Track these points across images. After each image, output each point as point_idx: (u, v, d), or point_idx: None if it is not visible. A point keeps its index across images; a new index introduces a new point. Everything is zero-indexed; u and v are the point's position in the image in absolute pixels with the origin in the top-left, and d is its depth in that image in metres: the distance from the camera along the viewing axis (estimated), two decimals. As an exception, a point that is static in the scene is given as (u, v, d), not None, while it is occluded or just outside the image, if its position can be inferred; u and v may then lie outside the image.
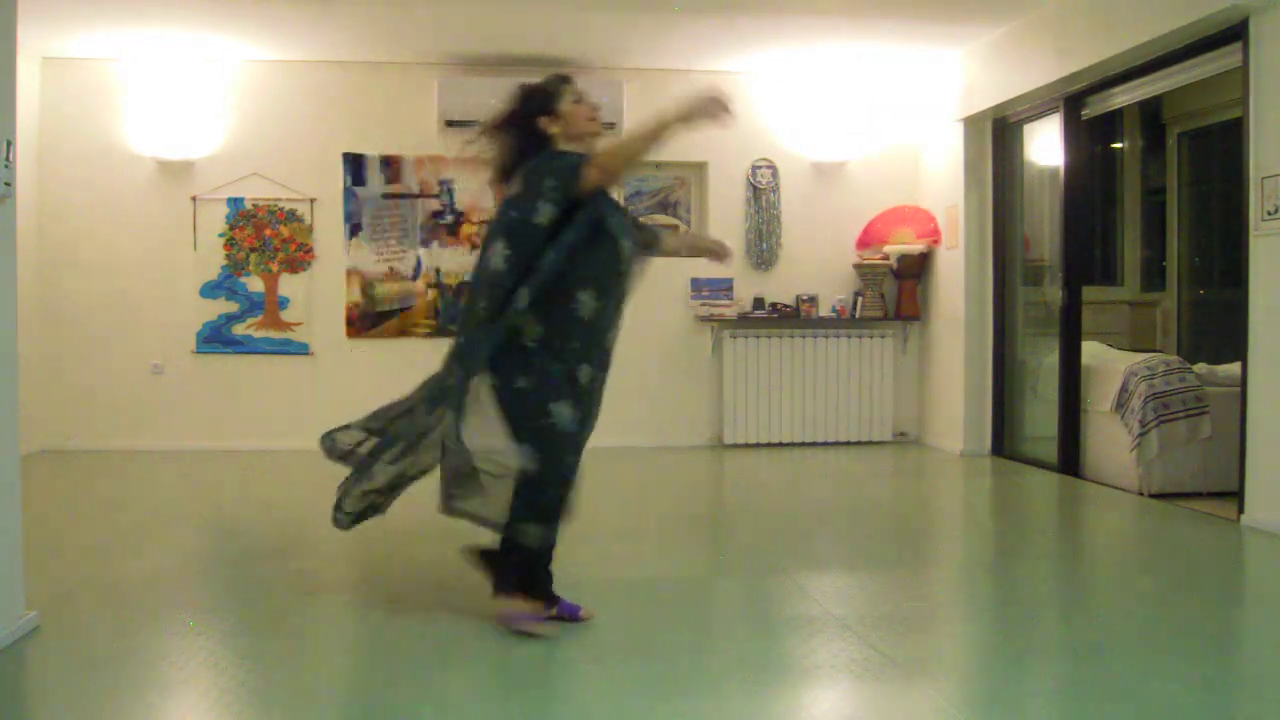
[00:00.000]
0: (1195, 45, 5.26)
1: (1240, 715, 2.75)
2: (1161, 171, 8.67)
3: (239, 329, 7.34)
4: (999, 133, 7.12)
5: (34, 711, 2.81)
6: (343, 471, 3.50)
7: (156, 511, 5.53)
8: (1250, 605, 3.98)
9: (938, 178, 7.55)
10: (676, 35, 6.77)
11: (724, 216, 7.68)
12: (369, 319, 7.41)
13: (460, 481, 3.21)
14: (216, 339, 7.32)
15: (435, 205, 7.41)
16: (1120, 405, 5.87)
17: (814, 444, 7.64)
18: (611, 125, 7.29)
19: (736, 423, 7.56)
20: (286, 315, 7.37)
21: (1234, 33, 4.94)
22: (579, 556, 4.63)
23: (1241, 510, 4.91)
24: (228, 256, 7.31)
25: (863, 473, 6.79)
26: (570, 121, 3.27)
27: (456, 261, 7.43)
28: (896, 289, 7.74)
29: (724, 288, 7.65)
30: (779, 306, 7.63)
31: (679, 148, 7.68)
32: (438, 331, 7.45)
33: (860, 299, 7.70)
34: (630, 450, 7.38)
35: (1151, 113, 8.52)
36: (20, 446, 3.33)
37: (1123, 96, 6.18)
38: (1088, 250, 8.21)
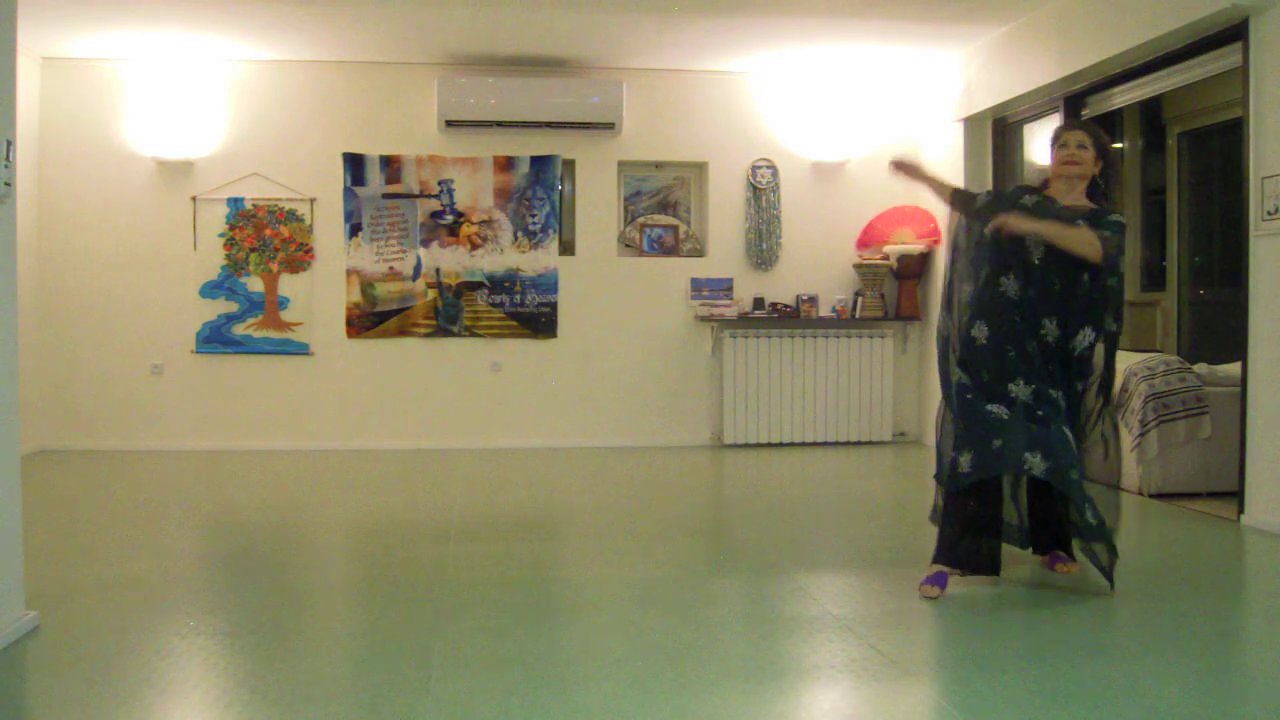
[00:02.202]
0: (1195, 45, 5.26)
1: (1240, 715, 2.75)
2: (1161, 171, 8.66)
3: (239, 329, 7.34)
4: (999, 133, 7.12)
5: (34, 711, 2.81)
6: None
7: (156, 511, 5.53)
8: (1250, 605, 3.98)
9: (938, 178, 7.54)
10: (676, 35, 6.77)
11: (724, 216, 7.69)
12: (369, 319, 7.41)
13: None
14: (216, 339, 7.32)
15: (435, 205, 7.41)
16: (1120, 405, 5.87)
17: (814, 444, 7.64)
18: (611, 125, 7.32)
19: (736, 423, 7.56)
20: (286, 315, 7.37)
21: (1234, 33, 4.94)
22: (580, 556, 4.63)
23: (1241, 510, 4.91)
24: (228, 256, 7.31)
25: (863, 473, 6.79)
26: None
27: (456, 261, 7.43)
28: (896, 289, 7.74)
29: (724, 288, 7.66)
30: (779, 306, 7.63)
31: (679, 147, 7.74)
32: (437, 331, 7.46)
33: (860, 299, 7.70)
34: (630, 450, 7.38)
35: (1151, 113, 8.52)
36: (20, 446, 3.34)
37: (1123, 96, 6.18)
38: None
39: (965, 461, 3.69)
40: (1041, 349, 3.69)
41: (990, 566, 3.79)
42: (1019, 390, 3.66)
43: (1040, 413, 3.64)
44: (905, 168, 4.16)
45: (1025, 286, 3.68)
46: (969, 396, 3.74)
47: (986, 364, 3.71)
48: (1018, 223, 3.64)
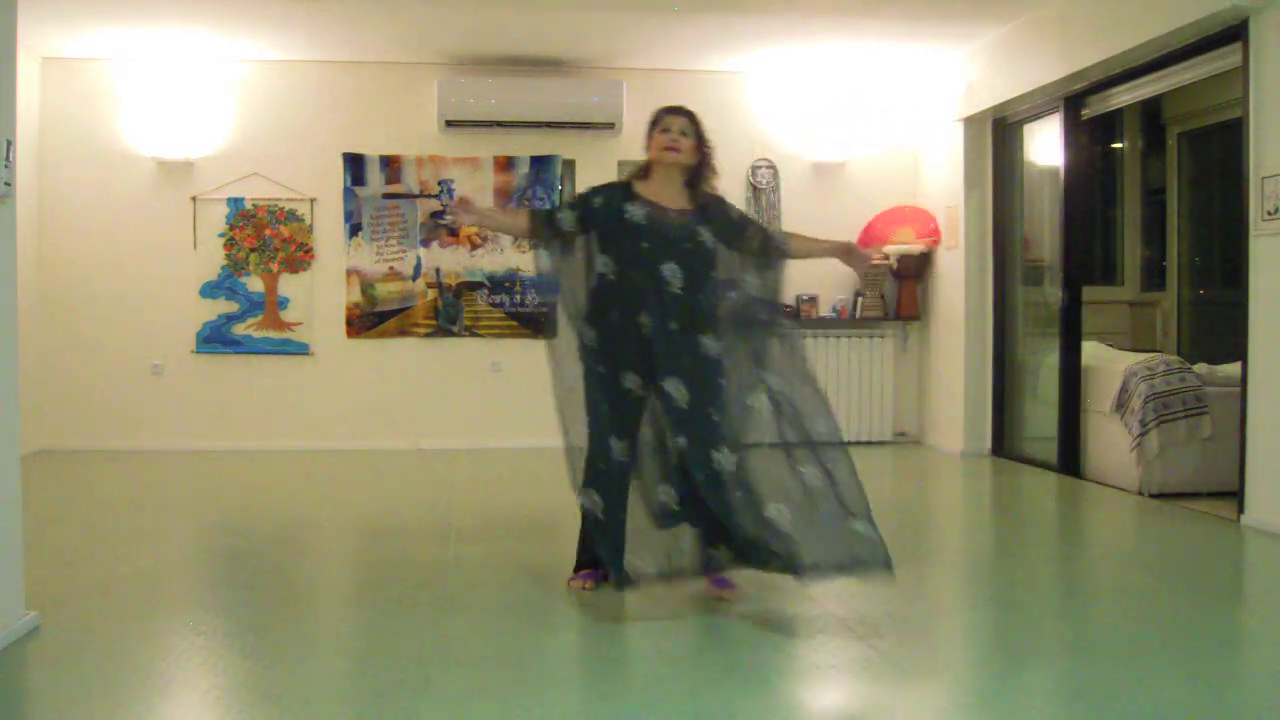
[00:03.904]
0: (1195, 45, 5.26)
1: (1240, 715, 2.75)
2: (1161, 171, 8.66)
3: (239, 329, 7.33)
4: (999, 133, 7.12)
5: (34, 711, 2.81)
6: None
7: (156, 511, 5.53)
8: (1250, 605, 3.98)
9: (938, 178, 7.55)
10: (676, 35, 6.77)
11: (724, 216, 7.68)
12: (369, 319, 7.41)
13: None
14: (216, 339, 7.32)
15: (435, 205, 7.41)
16: (1120, 405, 5.87)
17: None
18: (611, 125, 7.32)
19: (736, 423, 7.54)
20: (286, 315, 7.37)
21: (1234, 33, 4.94)
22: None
23: (1241, 510, 4.90)
24: (228, 256, 7.31)
25: (863, 473, 6.76)
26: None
27: (456, 261, 7.42)
28: (896, 289, 7.74)
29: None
30: (779, 306, 7.62)
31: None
32: (437, 331, 7.46)
33: (860, 299, 7.70)
34: (630, 450, 7.37)
35: (1151, 113, 8.52)
36: (20, 446, 3.33)
37: (1123, 96, 6.18)
38: (1088, 250, 8.20)
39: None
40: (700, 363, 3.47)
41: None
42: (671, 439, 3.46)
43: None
44: (461, 207, 3.70)
45: (666, 318, 3.44)
46: (601, 467, 3.50)
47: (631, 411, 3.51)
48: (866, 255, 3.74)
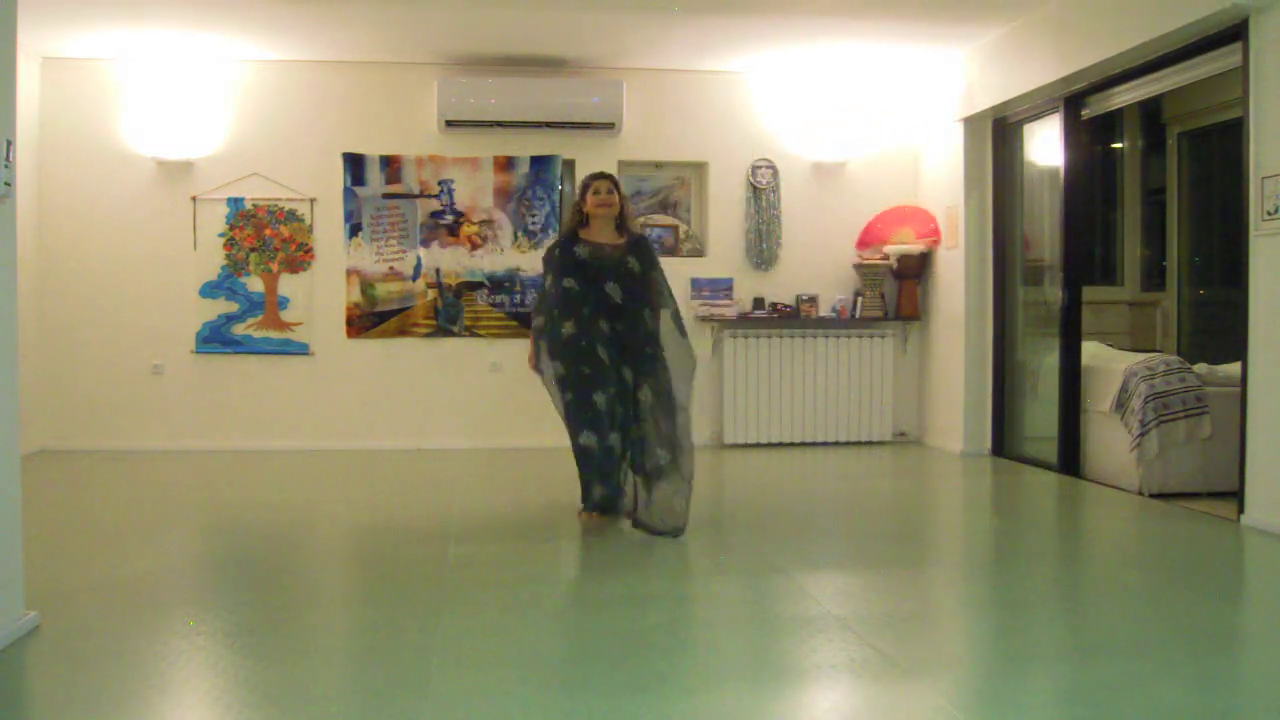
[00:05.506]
0: (1195, 45, 5.26)
1: (1240, 715, 2.75)
2: (1161, 171, 8.67)
3: (239, 329, 7.34)
4: (999, 133, 7.12)
5: (34, 711, 2.81)
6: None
7: (156, 511, 5.53)
8: (1250, 605, 3.98)
9: (938, 178, 7.55)
10: (676, 35, 6.77)
11: (724, 216, 7.69)
12: (369, 319, 7.41)
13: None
14: (216, 339, 7.32)
15: (435, 205, 7.41)
16: (1120, 405, 5.87)
17: (814, 444, 7.64)
18: (611, 125, 7.32)
19: (736, 423, 7.56)
20: (286, 315, 7.37)
21: (1234, 33, 4.95)
22: (579, 556, 4.64)
23: (1241, 510, 4.91)
24: (228, 256, 7.31)
25: (863, 473, 6.79)
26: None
27: (456, 261, 7.43)
28: (896, 289, 7.74)
29: (724, 288, 7.66)
30: (779, 306, 7.63)
31: (679, 147, 7.74)
32: (437, 332, 7.46)
33: (860, 299, 7.70)
34: (630, 450, 7.37)
35: (1151, 113, 8.52)
36: (20, 446, 3.33)
37: (1123, 96, 6.18)
38: (1088, 250, 8.21)
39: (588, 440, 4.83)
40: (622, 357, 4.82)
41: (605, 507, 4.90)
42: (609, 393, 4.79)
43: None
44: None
45: (604, 319, 4.77)
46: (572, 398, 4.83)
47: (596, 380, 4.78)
48: None
